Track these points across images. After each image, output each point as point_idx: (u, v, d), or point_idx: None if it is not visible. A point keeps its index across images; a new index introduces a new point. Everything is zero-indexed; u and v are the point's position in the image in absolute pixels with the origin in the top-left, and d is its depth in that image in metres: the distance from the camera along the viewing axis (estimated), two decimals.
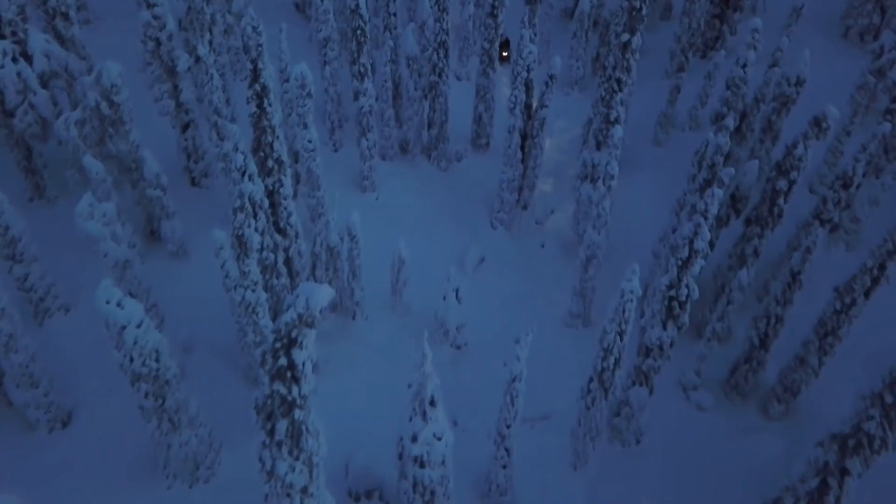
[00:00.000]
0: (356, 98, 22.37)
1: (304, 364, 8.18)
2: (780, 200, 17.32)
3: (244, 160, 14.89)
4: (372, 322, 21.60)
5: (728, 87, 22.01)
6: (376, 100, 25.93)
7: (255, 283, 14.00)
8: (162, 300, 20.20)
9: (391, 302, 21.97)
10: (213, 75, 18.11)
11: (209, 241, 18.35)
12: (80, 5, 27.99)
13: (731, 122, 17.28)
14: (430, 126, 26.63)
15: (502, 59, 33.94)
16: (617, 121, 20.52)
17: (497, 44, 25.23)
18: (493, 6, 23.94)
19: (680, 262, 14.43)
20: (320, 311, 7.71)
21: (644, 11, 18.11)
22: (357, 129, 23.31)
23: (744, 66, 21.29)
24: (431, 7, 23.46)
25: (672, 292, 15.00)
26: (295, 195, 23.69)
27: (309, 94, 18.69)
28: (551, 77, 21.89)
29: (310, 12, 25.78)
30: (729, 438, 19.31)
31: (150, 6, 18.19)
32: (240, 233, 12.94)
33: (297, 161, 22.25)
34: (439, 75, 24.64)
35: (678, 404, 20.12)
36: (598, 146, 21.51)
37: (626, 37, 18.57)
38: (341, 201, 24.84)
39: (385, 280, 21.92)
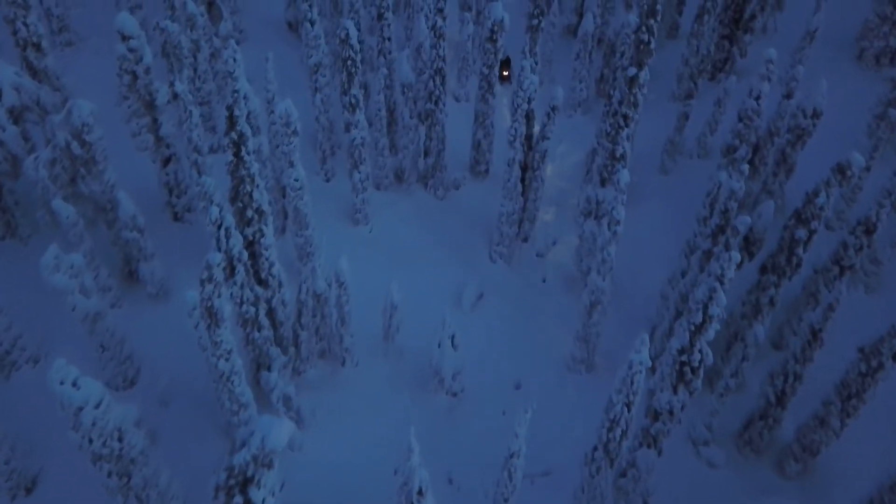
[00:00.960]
0: (347, 129, 21.22)
1: (263, 500, 6.98)
2: (799, 250, 16.11)
3: (220, 213, 13.75)
4: (362, 368, 20.40)
5: (740, 119, 20.82)
6: (370, 126, 24.81)
7: (229, 352, 12.84)
8: (139, 348, 19.04)
9: (383, 346, 20.79)
10: (192, 112, 16.95)
11: (191, 280, 17.20)
12: (61, 27, 26.86)
13: (745, 166, 16.08)
14: (426, 154, 25.47)
15: (502, 78, 32.81)
16: (623, 157, 19.34)
17: (496, 69, 24.03)
18: (492, 30, 22.75)
19: (693, 327, 13.22)
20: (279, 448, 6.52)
21: (652, 45, 16.92)
22: (349, 162, 22.14)
23: (757, 97, 20.10)
24: (428, 32, 22.30)
25: (684, 357, 13.79)
26: (283, 231, 22.67)
27: (295, 132, 17.56)
28: (553, 109, 20.73)
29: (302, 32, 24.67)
30: (742, 498, 18.08)
31: (125, 38, 17.03)
32: (209, 304, 11.78)
33: (284, 196, 21.10)
34: (436, 103, 23.47)
35: (688, 460, 18.88)
36: (603, 182, 20.32)
37: (633, 71, 17.39)
38: (333, 236, 23.85)
39: (378, 320, 20.77)
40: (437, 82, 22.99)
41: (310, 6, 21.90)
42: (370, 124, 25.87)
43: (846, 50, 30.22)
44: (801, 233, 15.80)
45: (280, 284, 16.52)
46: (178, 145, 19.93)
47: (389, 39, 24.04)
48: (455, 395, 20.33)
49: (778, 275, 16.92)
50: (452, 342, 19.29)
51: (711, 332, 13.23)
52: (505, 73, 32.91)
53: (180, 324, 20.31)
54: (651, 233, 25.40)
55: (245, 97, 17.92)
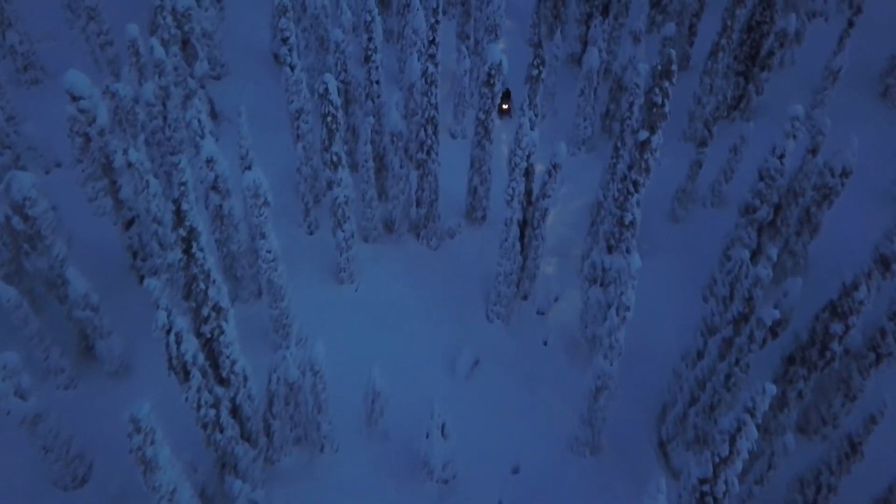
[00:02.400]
0: (329, 187, 19.34)
1: None
2: (834, 345, 14.17)
3: (168, 318, 11.88)
4: (343, 454, 18.48)
5: (761, 178, 18.88)
6: (357, 169, 22.95)
7: (172, 492, 10.94)
8: (94, 436, 17.20)
9: (367, 428, 18.88)
10: (150, 182, 15.08)
11: (157, 352, 15.29)
12: (26, 65, 25.03)
13: (774, 252, 14.15)
14: (418, 204, 23.57)
15: (502, 111, 30.95)
16: (632, 224, 17.44)
17: (493, 115, 22.15)
18: (489, 74, 20.88)
19: (718, 459, 11.29)
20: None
21: (667, 108, 15.03)
22: (332, 220, 20.25)
23: (781, 156, 18.17)
24: (419, 79, 20.44)
25: (706, 487, 11.86)
26: (259, 295, 20.79)
27: (266, 203, 15.69)
28: (554, 166, 18.86)
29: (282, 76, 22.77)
30: None
31: (74, 99, 15.17)
32: (140, 454, 9.91)
33: None
34: (427, 153, 21.58)
35: None
36: (610, 249, 18.41)
37: (644, 135, 15.48)
38: (315, 296, 22.01)
39: (362, 395, 18.87)
40: (430, 131, 21.11)
41: (289, 50, 20.07)
42: (356, 168, 24.07)
43: (870, 87, 28.26)
44: (837, 328, 13.87)
45: (245, 379, 14.64)
46: (141, 207, 18.09)
47: (378, 83, 22.17)
48: (447, 482, 18.39)
49: (808, 369, 14.98)
50: (443, 431, 17.36)
51: (739, 464, 11.31)
52: (505, 107, 31.02)
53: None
54: (661, 288, 23.49)
55: (212, 160, 16.11)
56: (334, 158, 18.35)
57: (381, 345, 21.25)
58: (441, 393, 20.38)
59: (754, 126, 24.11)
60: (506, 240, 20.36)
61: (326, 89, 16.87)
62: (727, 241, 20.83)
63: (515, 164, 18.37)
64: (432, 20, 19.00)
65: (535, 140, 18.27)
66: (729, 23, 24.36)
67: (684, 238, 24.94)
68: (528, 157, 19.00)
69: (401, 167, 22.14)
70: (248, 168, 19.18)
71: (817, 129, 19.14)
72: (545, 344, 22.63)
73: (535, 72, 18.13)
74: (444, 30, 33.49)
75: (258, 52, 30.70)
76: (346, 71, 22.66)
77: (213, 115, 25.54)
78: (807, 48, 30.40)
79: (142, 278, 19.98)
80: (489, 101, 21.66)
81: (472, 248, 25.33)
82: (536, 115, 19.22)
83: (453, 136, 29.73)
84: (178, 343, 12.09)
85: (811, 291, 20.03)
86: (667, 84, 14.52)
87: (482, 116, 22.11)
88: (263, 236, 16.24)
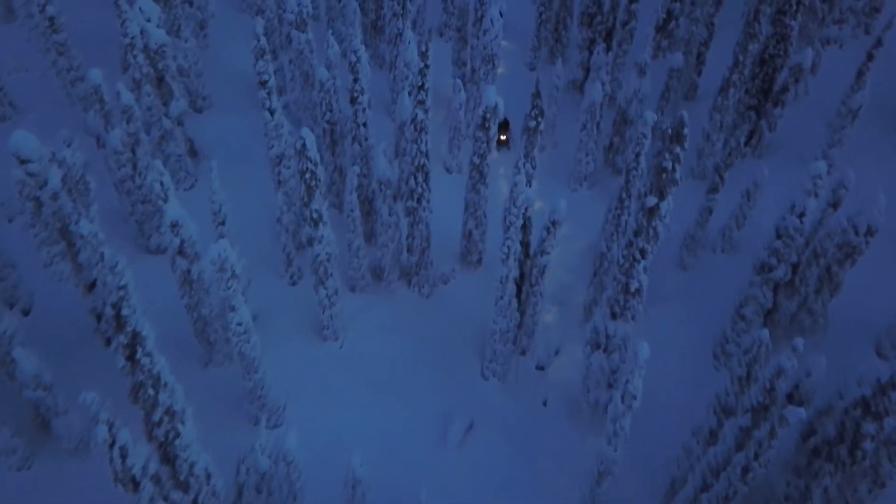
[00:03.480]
0: (310, 244, 17.85)
1: None
2: (867, 445, 12.64)
3: (110, 430, 10.40)
4: None
5: (779, 237, 17.36)
6: (350, 213, 21.47)
7: None
8: None
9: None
10: (104, 254, 13.60)
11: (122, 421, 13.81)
12: None
13: (800, 343, 12.64)
14: (409, 251, 22.10)
15: (500, 143, 29.50)
16: (638, 291, 15.93)
17: (488, 158, 20.70)
18: (484, 117, 19.43)
19: None
20: None
21: (678, 174, 13.52)
22: (314, 278, 18.77)
23: (801, 215, 16.66)
24: (407, 127, 18.99)
25: None
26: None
27: (234, 276, 14.20)
28: (553, 223, 17.41)
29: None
30: None
31: (23, 163, 13.70)
32: None
33: None
34: (418, 201, 20.11)
35: None
36: (614, 316, 16.90)
37: (652, 201, 13.98)
38: (296, 356, 20.57)
39: (344, 475, 17.38)
40: (420, 179, 19.64)
41: (268, 93, 18.64)
42: (341, 210, 22.55)
43: (888, 122, 26.67)
44: (871, 428, 12.34)
45: (209, 477, 13.13)
46: (98, 279, 16.62)
47: (365, 125, 20.70)
48: None
49: (835, 465, 13.45)
50: None
51: None
52: (503, 138, 29.55)
53: (103, 486, 17.10)
54: (669, 342, 21.96)
55: (177, 225, 14.65)
56: (314, 216, 16.88)
57: (367, 409, 19.78)
58: (432, 464, 18.97)
59: (767, 164, 22.64)
60: (501, 297, 18.89)
61: (304, 145, 15.39)
62: (741, 299, 19.31)
63: (511, 222, 16.88)
64: (421, 65, 17.54)
65: (531, 197, 16.81)
66: (741, 58, 22.85)
67: (693, 287, 23.41)
68: (525, 211, 17.56)
69: (390, 215, 20.67)
70: (222, 223, 17.80)
71: (839, 182, 17.62)
72: (545, 404, 21.13)
73: (532, 123, 16.66)
74: (441, 53, 32.02)
75: (243, 81, 29.09)
76: (331, 111, 21.20)
77: (193, 153, 24.09)
78: (821, 77, 28.87)
79: (107, 341, 18.52)
80: (484, 144, 20.21)
81: (467, 295, 23.83)
82: (534, 167, 17.74)
83: (448, 171, 28.26)
84: (124, 457, 10.60)
85: (830, 351, 18.53)
86: (678, 149, 13.02)
87: (477, 161, 20.66)
88: (233, 309, 14.77)
